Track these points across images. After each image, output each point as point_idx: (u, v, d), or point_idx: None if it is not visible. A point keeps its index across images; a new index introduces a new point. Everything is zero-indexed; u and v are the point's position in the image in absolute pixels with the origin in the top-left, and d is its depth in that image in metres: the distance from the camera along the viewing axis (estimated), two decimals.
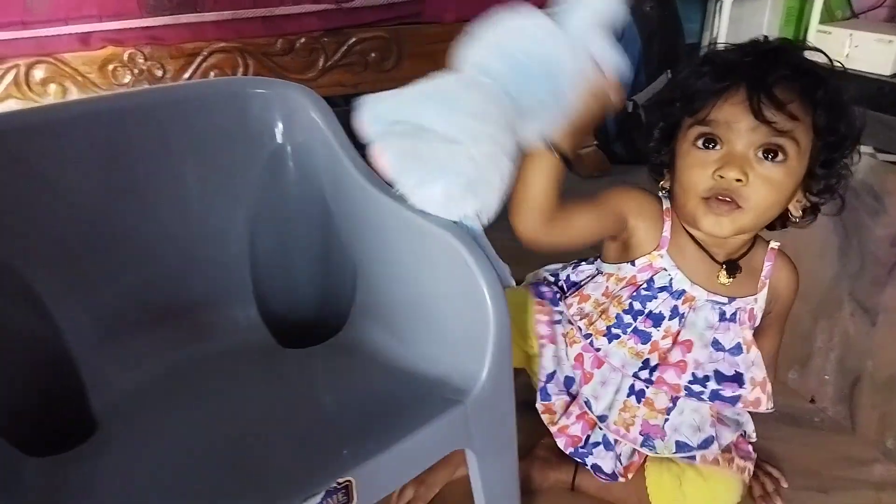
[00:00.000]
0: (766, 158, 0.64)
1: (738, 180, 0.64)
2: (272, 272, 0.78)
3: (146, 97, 0.75)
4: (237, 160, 0.74)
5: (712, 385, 0.72)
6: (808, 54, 0.67)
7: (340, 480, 0.51)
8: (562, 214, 0.66)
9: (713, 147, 0.65)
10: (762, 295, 0.73)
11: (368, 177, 0.67)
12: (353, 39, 1.34)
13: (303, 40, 1.30)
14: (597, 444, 0.76)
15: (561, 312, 0.80)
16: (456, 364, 0.62)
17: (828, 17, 2.51)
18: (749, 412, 0.77)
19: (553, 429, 0.77)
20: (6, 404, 0.62)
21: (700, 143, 0.66)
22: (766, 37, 0.69)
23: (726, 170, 0.64)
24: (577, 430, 0.77)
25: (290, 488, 0.52)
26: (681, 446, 0.74)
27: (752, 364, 0.72)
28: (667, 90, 0.72)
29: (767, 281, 0.73)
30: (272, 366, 0.73)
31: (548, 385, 0.77)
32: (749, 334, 0.72)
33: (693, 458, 0.74)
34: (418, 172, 0.60)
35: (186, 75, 1.25)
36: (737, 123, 0.64)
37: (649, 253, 0.72)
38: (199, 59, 1.25)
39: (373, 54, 1.37)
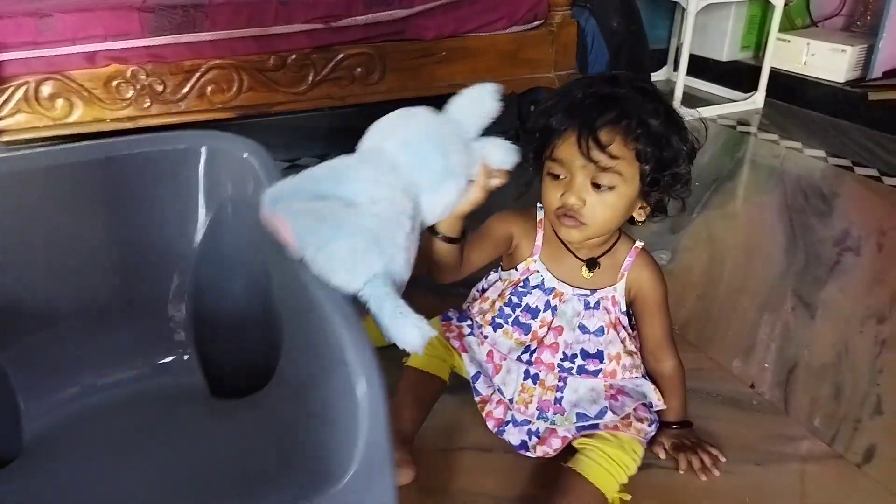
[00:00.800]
0: (597, 188, 0.79)
1: (577, 203, 0.80)
2: (212, 319, 0.82)
3: (105, 150, 0.76)
4: (185, 208, 0.78)
5: (579, 361, 0.89)
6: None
7: None
8: (463, 261, 0.84)
9: (559, 178, 0.81)
10: (621, 284, 0.89)
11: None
12: (341, 55, 1.44)
13: (294, 57, 1.40)
14: (508, 422, 0.92)
15: (471, 325, 0.96)
16: (331, 454, 0.57)
17: (788, 25, 2.64)
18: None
19: (483, 414, 0.93)
20: None
21: (549, 175, 0.82)
22: (614, 75, 0.84)
23: (566, 196, 0.80)
24: (499, 412, 0.93)
25: None
26: (581, 416, 0.89)
27: (610, 343, 0.89)
28: (532, 120, 0.86)
29: (626, 273, 0.90)
30: (193, 412, 0.78)
31: (476, 384, 0.94)
32: (611, 320, 0.89)
33: (596, 426, 0.88)
34: (321, 232, 0.59)
35: (185, 90, 1.34)
36: (572, 161, 0.79)
37: (526, 259, 0.91)
38: (196, 75, 1.34)
39: (359, 69, 1.47)
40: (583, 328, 0.90)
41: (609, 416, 0.88)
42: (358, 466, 0.54)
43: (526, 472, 0.91)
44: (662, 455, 0.92)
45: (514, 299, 0.91)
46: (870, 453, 0.96)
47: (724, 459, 0.92)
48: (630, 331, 0.93)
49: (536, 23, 1.63)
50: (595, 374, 0.90)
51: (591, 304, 0.89)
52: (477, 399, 0.95)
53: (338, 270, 0.58)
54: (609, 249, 0.90)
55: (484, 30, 1.56)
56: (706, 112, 2.36)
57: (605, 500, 0.82)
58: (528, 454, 0.90)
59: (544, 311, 0.90)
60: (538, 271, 0.90)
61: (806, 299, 1.31)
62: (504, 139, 0.76)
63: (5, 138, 1.27)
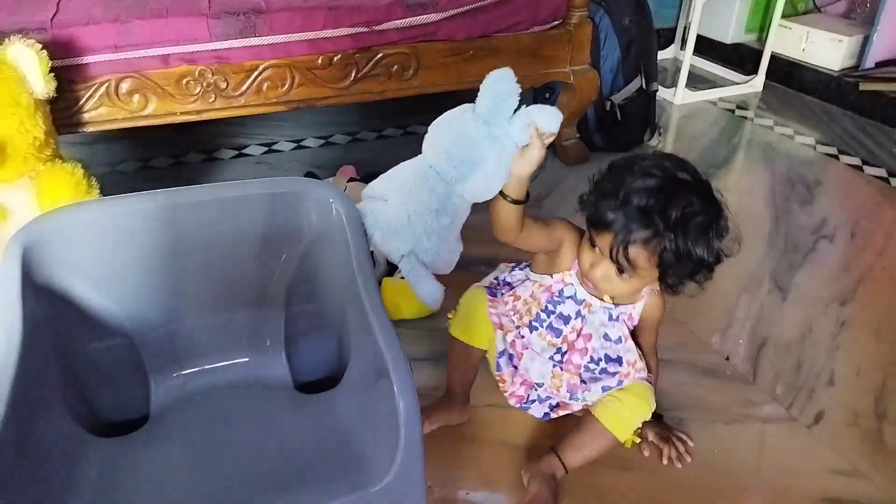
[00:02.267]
0: (620, 273, 0.93)
1: (600, 281, 0.96)
2: (300, 329, 1.02)
3: (242, 189, 0.96)
4: (290, 236, 0.96)
5: (603, 364, 1.05)
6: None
7: None
8: (523, 232, 0.98)
9: (595, 250, 0.94)
10: (639, 305, 1.04)
11: (358, 266, 0.87)
12: (381, 55, 1.61)
13: (339, 56, 1.57)
14: (534, 400, 1.11)
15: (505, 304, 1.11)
16: (375, 456, 0.77)
17: (792, 10, 2.76)
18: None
19: (505, 393, 1.12)
20: (82, 396, 0.89)
21: (588, 242, 0.96)
22: (676, 168, 0.91)
23: (594, 270, 0.95)
24: (521, 392, 1.11)
25: None
26: (605, 389, 1.05)
27: (628, 350, 1.05)
28: (593, 185, 0.97)
29: (645, 297, 1.04)
30: (278, 401, 0.97)
31: (500, 360, 1.09)
32: (626, 331, 1.04)
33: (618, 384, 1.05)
34: (366, 225, 0.92)
35: (244, 87, 1.52)
36: (605, 251, 0.92)
37: (562, 271, 1.04)
38: (255, 73, 1.52)
39: (395, 66, 1.64)
40: (606, 337, 1.03)
41: (623, 367, 1.04)
42: (396, 471, 0.70)
43: (546, 426, 1.14)
44: (647, 452, 1.09)
45: (550, 307, 1.04)
46: (819, 417, 1.18)
47: (692, 444, 1.10)
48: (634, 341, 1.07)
49: (555, 22, 1.79)
50: (613, 375, 1.05)
51: (614, 317, 1.03)
52: (497, 374, 1.10)
53: (377, 250, 0.92)
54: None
55: (508, 31, 1.72)
56: (709, 95, 2.52)
57: (615, 441, 1.02)
58: (550, 419, 1.12)
59: (575, 318, 1.03)
60: (572, 284, 1.03)
61: (780, 283, 1.52)
62: (549, 105, 0.95)
63: (90, 129, 1.46)
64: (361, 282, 0.83)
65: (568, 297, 1.04)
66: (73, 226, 0.88)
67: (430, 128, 1.12)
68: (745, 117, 2.40)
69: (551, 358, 1.06)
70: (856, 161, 2.09)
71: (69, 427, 0.83)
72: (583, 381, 1.06)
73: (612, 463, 1.06)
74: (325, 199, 0.92)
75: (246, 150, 2.07)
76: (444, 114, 1.12)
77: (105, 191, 1.32)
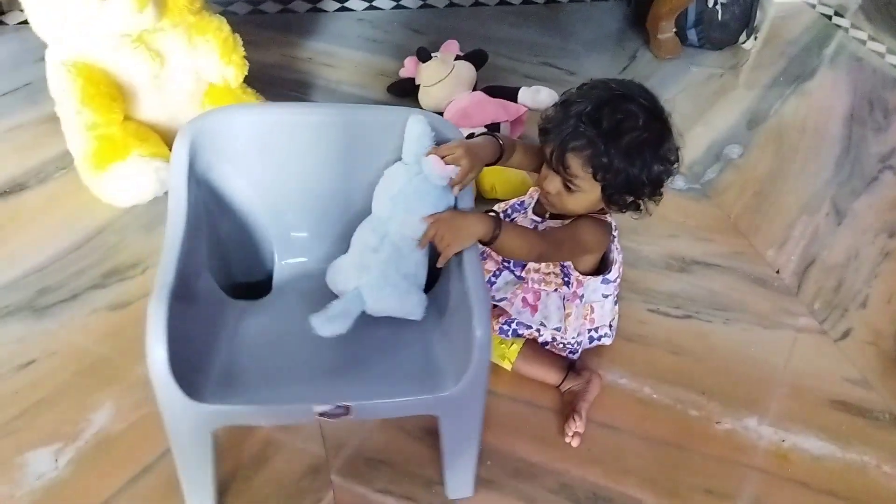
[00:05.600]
0: (567, 190, 0.99)
1: (551, 193, 1.01)
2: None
3: (355, 116, 1.08)
4: (389, 158, 1.03)
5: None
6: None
7: (344, 404, 0.84)
8: (515, 157, 1.07)
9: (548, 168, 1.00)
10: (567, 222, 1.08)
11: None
12: None
13: None
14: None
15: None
16: (449, 371, 0.90)
17: None
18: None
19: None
20: (221, 264, 1.05)
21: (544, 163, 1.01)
22: (617, 87, 0.97)
23: (546, 182, 1.01)
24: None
25: (329, 391, 0.89)
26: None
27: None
28: (543, 113, 1.03)
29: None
30: None
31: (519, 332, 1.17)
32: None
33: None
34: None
35: None
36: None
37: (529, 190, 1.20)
38: None
39: None
40: None
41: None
42: (469, 378, 0.85)
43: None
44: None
45: (509, 210, 1.19)
46: (846, 334, 1.37)
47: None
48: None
49: None
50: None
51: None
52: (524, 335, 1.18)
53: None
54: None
55: None
56: None
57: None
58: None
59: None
60: (532, 198, 1.16)
61: (839, 207, 1.65)
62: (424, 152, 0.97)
63: None
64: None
65: (525, 208, 1.16)
66: (233, 123, 1.02)
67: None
68: (841, 26, 2.38)
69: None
70: None
71: (213, 287, 1.01)
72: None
73: (665, 347, 1.28)
74: (442, 137, 1.01)
75: (347, 5, 2.13)
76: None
77: None
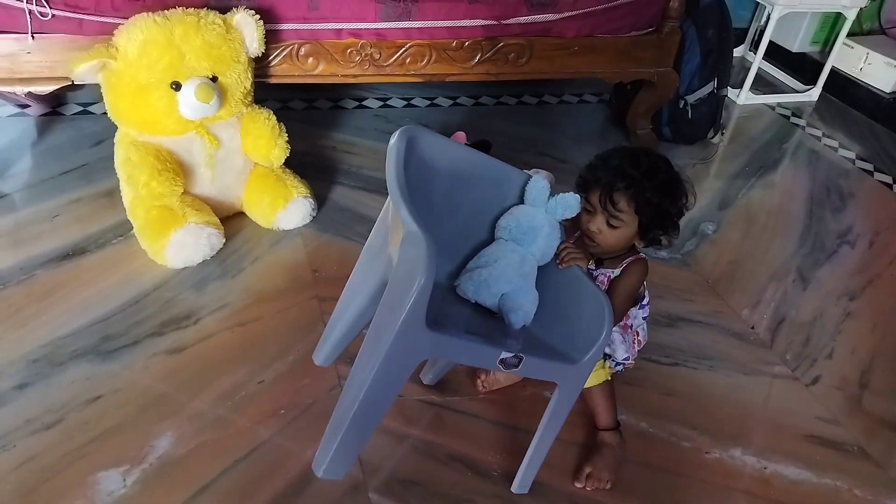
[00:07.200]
0: (610, 227, 1.16)
1: (596, 232, 1.17)
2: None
3: (495, 168, 1.22)
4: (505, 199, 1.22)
5: None
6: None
7: (520, 355, 1.02)
8: None
9: (589, 211, 1.17)
10: (617, 271, 1.21)
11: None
12: (502, 43, 1.95)
13: (469, 42, 1.91)
14: None
15: None
16: (587, 340, 1.09)
17: (858, 27, 3.00)
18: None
19: None
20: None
21: (584, 207, 1.18)
22: (641, 154, 1.17)
23: (590, 224, 1.17)
24: None
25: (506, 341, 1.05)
26: None
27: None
28: (584, 170, 1.21)
29: (625, 265, 1.21)
30: None
31: None
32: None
33: None
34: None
35: (391, 59, 1.87)
36: (597, 206, 1.15)
37: None
38: (403, 49, 1.86)
39: (512, 54, 1.98)
40: None
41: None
42: (593, 353, 1.07)
43: None
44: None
45: None
46: (816, 380, 1.55)
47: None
48: None
49: (650, 29, 2.09)
50: None
51: (595, 277, 1.23)
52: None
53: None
54: (616, 256, 1.23)
55: (610, 33, 2.03)
56: (769, 99, 2.81)
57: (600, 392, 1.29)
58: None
59: None
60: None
61: (804, 274, 1.87)
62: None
63: (272, 81, 1.82)
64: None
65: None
66: (428, 142, 1.13)
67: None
68: (798, 125, 2.70)
69: None
70: (888, 179, 2.39)
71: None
72: None
73: (659, 389, 1.45)
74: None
75: (365, 103, 2.42)
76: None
77: None
